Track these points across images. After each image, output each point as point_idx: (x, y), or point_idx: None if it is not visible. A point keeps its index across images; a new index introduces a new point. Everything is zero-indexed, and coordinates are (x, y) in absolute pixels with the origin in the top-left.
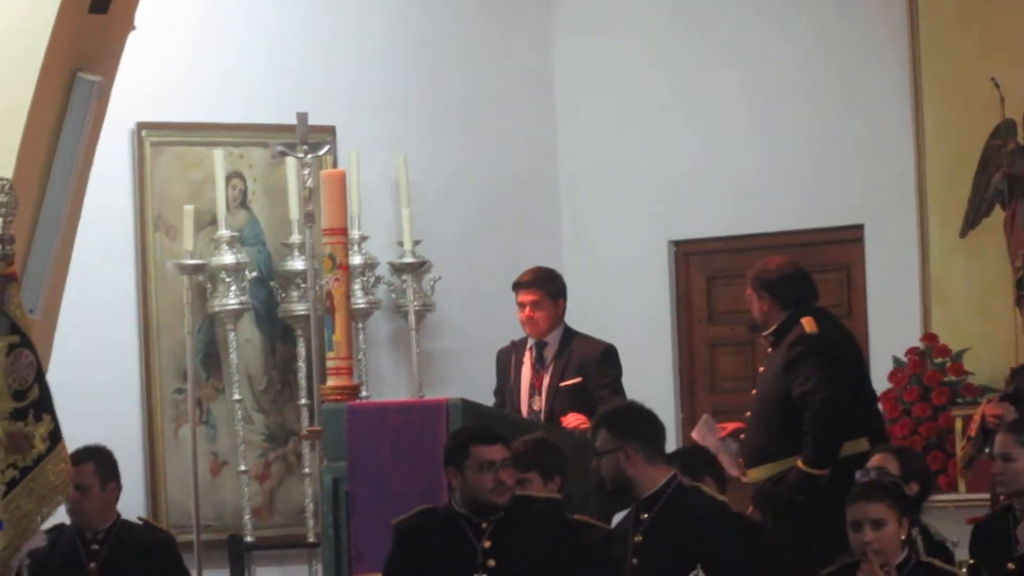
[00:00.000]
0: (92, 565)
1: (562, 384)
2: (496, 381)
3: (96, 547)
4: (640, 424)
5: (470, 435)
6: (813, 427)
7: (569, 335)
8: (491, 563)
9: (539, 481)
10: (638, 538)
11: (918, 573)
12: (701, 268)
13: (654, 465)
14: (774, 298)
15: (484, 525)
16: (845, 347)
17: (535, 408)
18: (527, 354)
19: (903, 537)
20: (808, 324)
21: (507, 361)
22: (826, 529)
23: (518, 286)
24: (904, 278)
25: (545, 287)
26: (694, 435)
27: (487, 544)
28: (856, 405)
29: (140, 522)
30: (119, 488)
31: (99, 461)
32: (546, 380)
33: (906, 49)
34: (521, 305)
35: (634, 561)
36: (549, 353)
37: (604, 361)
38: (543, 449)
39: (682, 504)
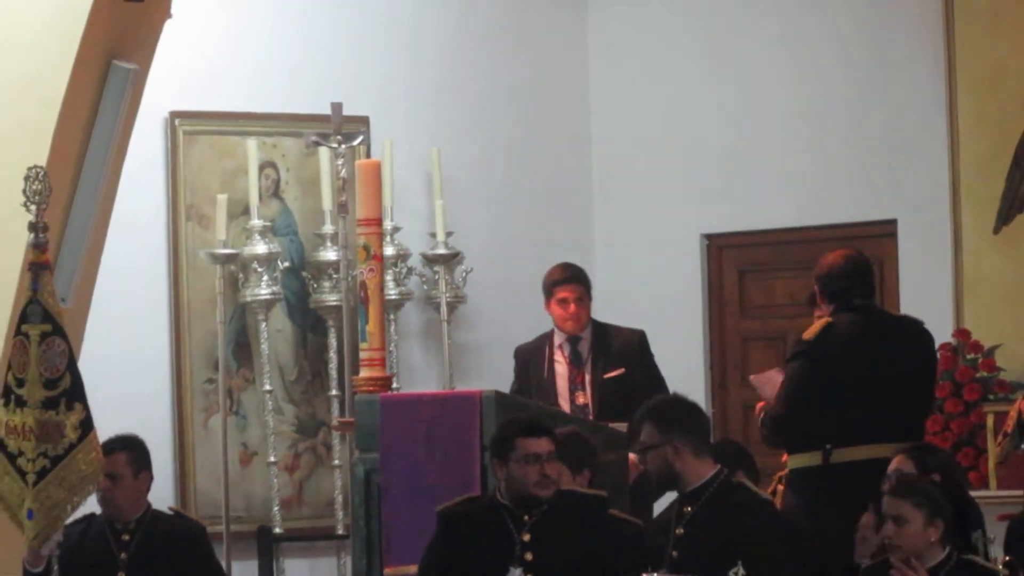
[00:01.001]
0: (123, 555)
1: (605, 376)
2: (515, 380)
3: (127, 537)
4: (686, 417)
5: (517, 427)
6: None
7: (600, 327)
8: (528, 556)
9: (568, 474)
10: (679, 531)
11: (958, 572)
12: (733, 261)
13: (700, 458)
14: (821, 293)
15: (526, 518)
16: (837, 358)
17: (579, 403)
18: (558, 352)
19: (934, 539)
20: (813, 329)
21: (529, 359)
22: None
23: (562, 282)
24: (937, 273)
25: (586, 282)
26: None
27: (526, 537)
28: (848, 412)
29: (171, 512)
30: (151, 478)
31: (131, 450)
32: (588, 374)
33: (941, 43)
34: (564, 301)
35: (674, 553)
36: (584, 347)
37: (644, 347)
38: (572, 442)
39: (727, 499)
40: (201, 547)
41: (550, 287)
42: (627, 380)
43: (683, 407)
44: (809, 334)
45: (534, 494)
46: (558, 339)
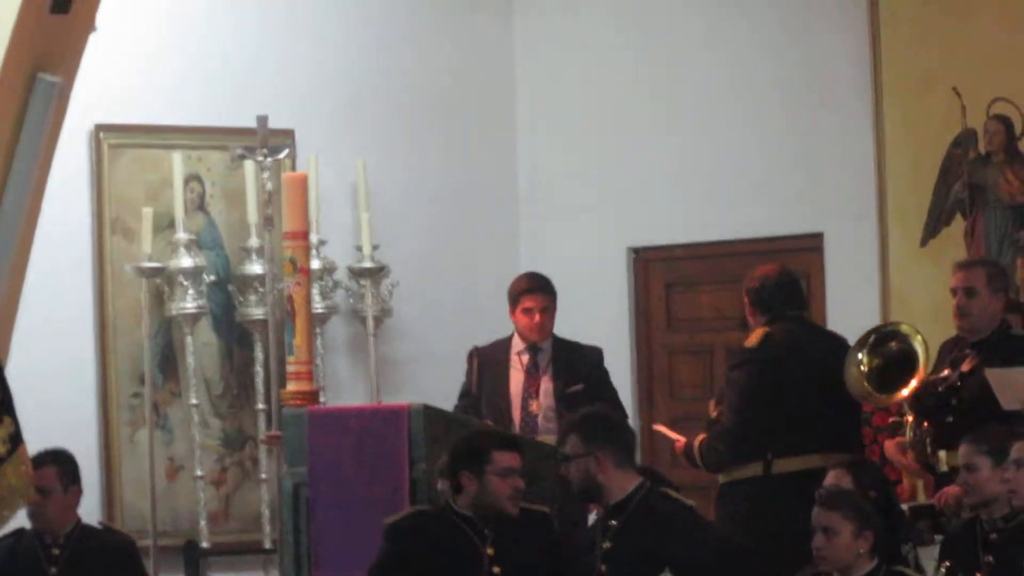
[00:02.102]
0: (53, 570)
1: (568, 391)
2: (466, 379)
3: (56, 551)
4: (611, 430)
5: (492, 440)
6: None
7: (561, 342)
8: (496, 570)
9: None
10: (607, 544)
11: None
12: (660, 275)
13: (623, 471)
14: (753, 305)
15: (487, 531)
16: (781, 365)
17: (532, 411)
18: (516, 359)
19: (863, 550)
20: (753, 337)
21: (487, 362)
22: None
23: (527, 292)
24: (864, 287)
25: (552, 293)
26: None
27: (491, 551)
28: (789, 421)
29: (100, 526)
30: (80, 492)
31: (61, 464)
32: (544, 384)
33: (867, 58)
34: (529, 311)
35: (603, 568)
36: (544, 358)
37: (601, 364)
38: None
39: (652, 510)
40: (131, 561)
41: (516, 296)
42: (585, 396)
43: (607, 420)
44: (751, 342)
45: (506, 508)
46: (517, 347)
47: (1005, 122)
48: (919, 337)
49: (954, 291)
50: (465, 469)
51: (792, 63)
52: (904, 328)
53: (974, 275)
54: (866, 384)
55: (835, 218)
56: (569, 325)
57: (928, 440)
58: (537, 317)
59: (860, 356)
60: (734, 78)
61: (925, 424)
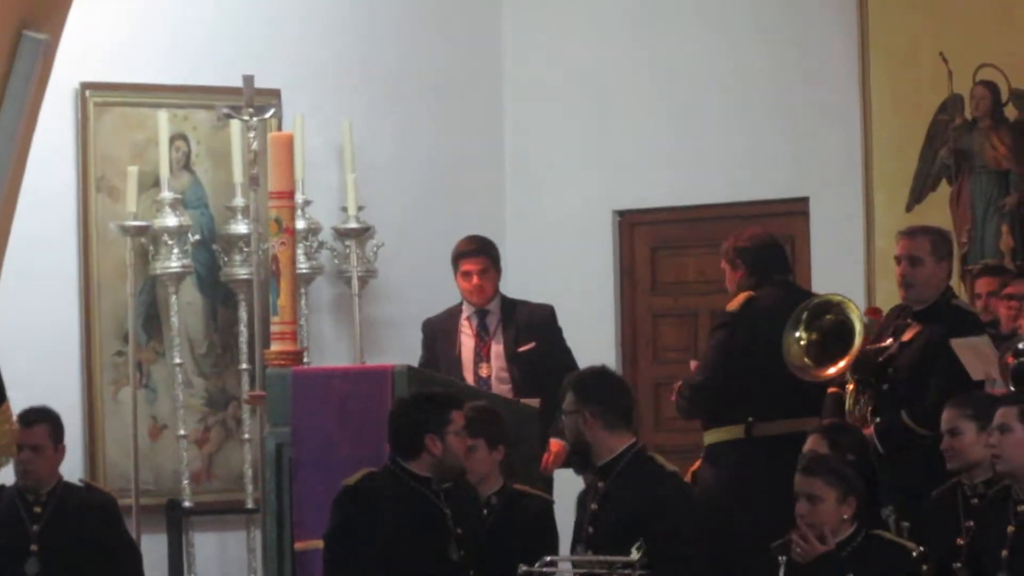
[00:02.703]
0: (35, 527)
1: (520, 350)
2: (423, 352)
3: (38, 509)
4: (604, 389)
5: (450, 400)
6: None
7: (508, 302)
8: (459, 531)
9: (485, 449)
10: (594, 506)
11: (867, 546)
12: (645, 238)
13: (614, 432)
14: (747, 266)
15: (442, 493)
16: (762, 329)
17: (483, 375)
18: (465, 323)
19: (846, 515)
20: (736, 300)
21: (437, 332)
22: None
23: (465, 255)
24: (849, 252)
25: (491, 254)
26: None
27: (448, 511)
28: (770, 385)
29: (81, 484)
30: (64, 450)
31: (52, 422)
32: (495, 347)
33: (854, 22)
34: (467, 274)
35: (590, 529)
36: (492, 320)
37: (553, 322)
38: (489, 417)
39: (637, 473)
40: (112, 518)
41: (455, 259)
42: (539, 354)
43: (604, 379)
44: (732, 305)
45: (465, 467)
46: (466, 311)
47: (991, 88)
48: (854, 309)
49: (898, 259)
50: (431, 432)
51: (779, 28)
52: (835, 298)
53: (918, 243)
54: (806, 360)
55: (821, 182)
56: (554, 288)
57: (868, 409)
58: (475, 279)
59: (798, 333)
60: (721, 42)
61: (866, 394)
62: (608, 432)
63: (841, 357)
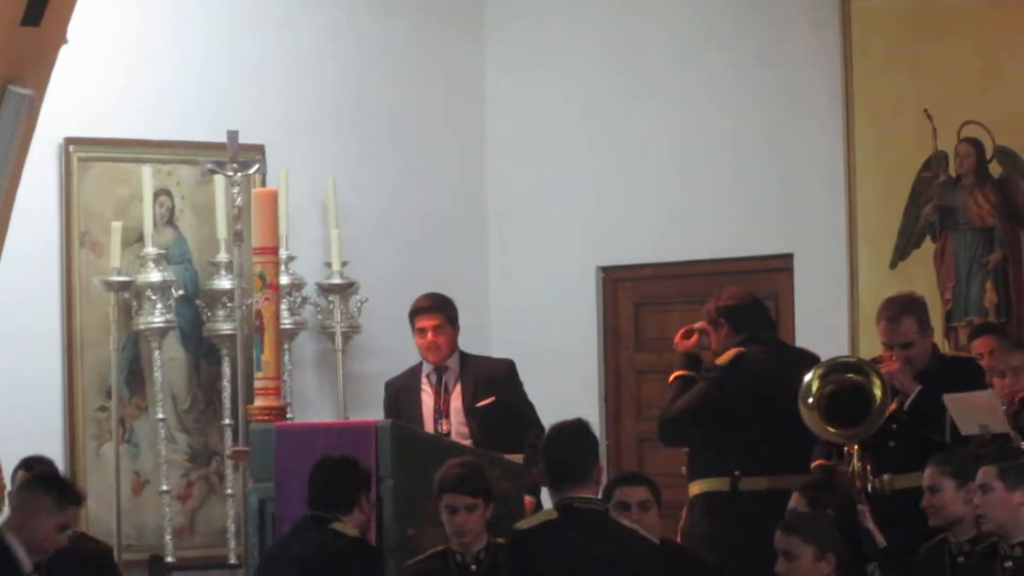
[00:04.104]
0: None
1: (477, 405)
2: (384, 414)
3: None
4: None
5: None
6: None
7: (465, 357)
8: None
9: (482, 506)
10: None
11: None
12: (629, 294)
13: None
14: (731, 324)
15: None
16: (750, 385)
17: (443, 431)
18: (424, 381)
19: (826, 572)
20: (726, 356)
21: (399, 391)
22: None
23: (419, 312)
24: (833, 308)
25: (446, 312)
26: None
27: None
28: (757, 440)
29: (75, 534)
30: None
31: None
32: (454, 402)
33: (839, 80)
34: (422, 331)
35: None
36: (451, 377)
37: (513, 376)
38: (483, 475)
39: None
40: (108, 570)
41: (411, 316)
42: (499, 409)
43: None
44: (722, 360)
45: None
46: (426, 369)
47: (976, 145)
48: (880, 387)
49: (888, 345)
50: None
51: (764, 84)
52: (871, 371)
53: (905, 329)
54: (813, 413)
55: (805, 239)
56: (538, 344)
57: (869, 468)
58: (430, 335)
59: (810, 377)
60: (705, 99)
61: (867, 456)
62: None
63: (852, 420)
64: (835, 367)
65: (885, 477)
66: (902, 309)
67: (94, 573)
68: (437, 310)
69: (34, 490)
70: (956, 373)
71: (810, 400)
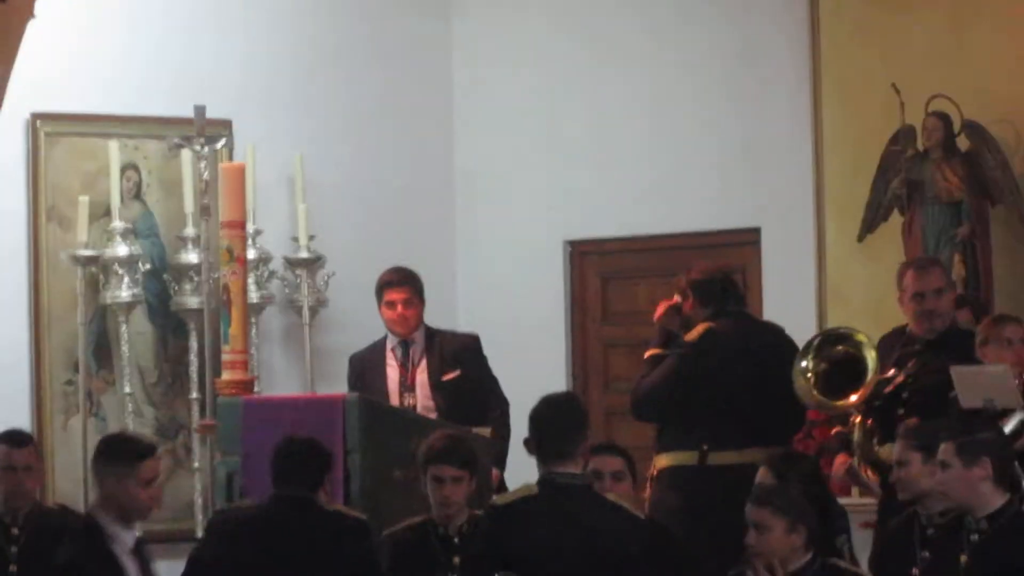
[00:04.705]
0: (12, 549)
1: (444, 379)
2: (349, 389)
3: (15, 531)
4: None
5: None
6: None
7: (432, 332)
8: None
9: (469, 479)
10: None
11: (822, 575)
12: (596, 268)
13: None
14: (698, 298)
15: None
16: (718, 360)
17: (409, 404)
18: (389, 355)
19: (797, 544)
20: (695, 331)
21: (364, 366)
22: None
23: (389, 285)
24: (800, 282)
25: (415, 285)
26: None
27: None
28: (726, 415)
29: (56, 507)
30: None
31: (35, 443)
32: (420, 376)
33: (806, 53)
34: (391, 304)
35: None
36: (416, 351)
37: (478, 351)
38: (471, 447)
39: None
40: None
41: (379, 290)
42: (464, 383)
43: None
44: (692, 336)
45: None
46: (391, 343)
47: (943, 119)
48: (872, 349)
49: (921, 295)
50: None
51: (731, 58)
52: (859, 337)
53: (936, 276)
54: (816, 393)
55: (772, 213)
56: (505, 318)
57: (875, 438)
58: (399, 309)
59: (805, 364)
60: (672, 73)
61: (870, 422)
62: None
63: (850, 390)
64: (823, 343)
65: (887, 447)
66: (930, 260)
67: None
68: (407, 283)
69: (102, 458)
70: (965, 343)
71: (809, 377)
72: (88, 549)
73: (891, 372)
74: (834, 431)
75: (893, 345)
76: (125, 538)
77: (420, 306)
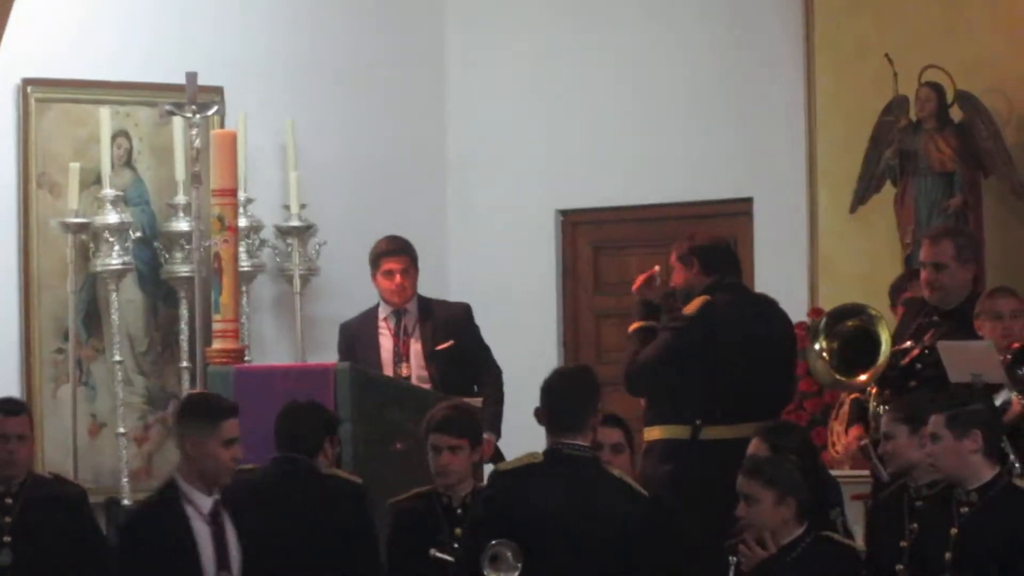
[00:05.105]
0: (7, 519)
1: (437, 348)
2: (339, 357)
3: (10, 500)
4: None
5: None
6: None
7: (425, 301)
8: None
9: (469, 449)
10: None
11: (815, 549)
12: (588, 238)
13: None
14: (702, 264)
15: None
16: (717, 335)
17: (403, 374)
18: (383, 324)
19: (787, 516)
20: (693, 304)
21: (355, 335)
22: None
23: (387, 254)
24: (792, 253)
25: (412, 254)
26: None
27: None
28: (717, 388)
29: (50, 476)
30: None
31: (29, 411)
32: (414, 346)
33: (800, 23)
34: (389, 273)
35: None
36: (410, 320)
37: (470, 320)
38: (471, 417)
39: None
40: (83, 510)
41: (376, 259)
42: (457, 352)
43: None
44: (690, 309)
45: None
46: (383, 312)
47: (937, 89)
48: (883, 322)
49: (923, 264)
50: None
51: (724, 28)
52: (869, 311)
53: (942, 249)
54: (836, 374)
55: (765, 183)
56: (497, 287)
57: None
58: (398, 278)
59: (819, 345)
60: (666, 43)
61: (887, 392)
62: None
63: (865, 364)
64: (832, 320)
65: None
66: (946, 232)
67: (69, 514)
68: (404, 252)
69: (183, 421)
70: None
71: (824, 357)
72: (158, 511)
73: (908, 344)
74: (851, 397)
75: (915, 314)
76: (202, 503)
77: (416, 275)
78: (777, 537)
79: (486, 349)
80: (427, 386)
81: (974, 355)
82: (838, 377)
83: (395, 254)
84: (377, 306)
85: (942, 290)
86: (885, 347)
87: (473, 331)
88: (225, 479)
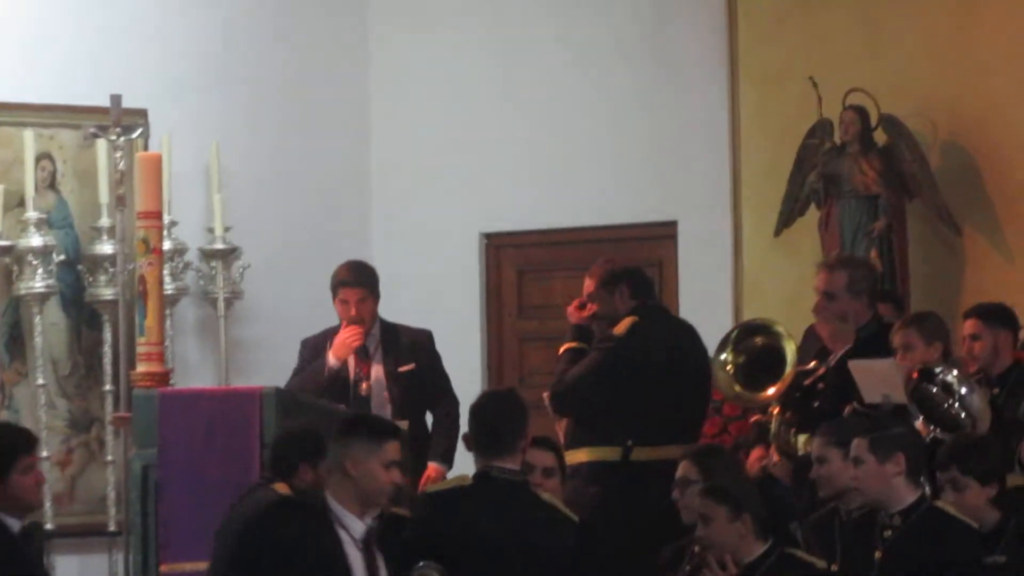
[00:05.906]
0: None
1: (400, 370)
2: (298, 367)
3: None
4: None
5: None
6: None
7: (388, 325)
8: None
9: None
10: None
11: (779, 566)
12: (512, 261)
13: None
14: (630, 288)
15: None
16: (645, 356)
17: (363, 394)
18: None
19: (744, 532)
20: (622, 325)
21: (314, 353)
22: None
23: (344, 284)
24: (717, 276)
25: (370, 284)
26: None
27: None
28: (647, 409)
29: None
30: None
31: None
32: (375, 369)
33: (724, 46)
34: (344, 303)
35: None
36: (372, 342)
37: (431, 346)
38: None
39: None
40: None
41: (335, 287)
42: (418, 376)
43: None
44: (619, 330)
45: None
46: None
47: (861, 112)
48: (790, 341)
49: (816, 290)
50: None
51: (648, 51)
52: (777, 328)
53: (835, 279)
54: (736, 386)
55: (689, 207)
56: (421, 310)
57: (792, 429)
58: (352, 310)
59: (724, 356)
60: (588, 66)
61: (788, 414)
62: None
63: (769, 381)
64: (742, 334)
65: (801, 438)
66: (842, 262)
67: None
68: (359, 284)
69: (343, 440)
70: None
71: (728, 369)
72: (309, 532)
73: (812, 364)
74: (752, 419)
75: (817, 337)
76: (355, 527)
77: (374, 304)
78: (738, 556)
79: (446, 379)
80: (388, 407)
81: (880, 374)
82: (738, 390)
83: (351, 286)
84: (339, 326)
85: (827, 320)
86: (791, 367)
87: (435, 358)
88: (382, 501)
